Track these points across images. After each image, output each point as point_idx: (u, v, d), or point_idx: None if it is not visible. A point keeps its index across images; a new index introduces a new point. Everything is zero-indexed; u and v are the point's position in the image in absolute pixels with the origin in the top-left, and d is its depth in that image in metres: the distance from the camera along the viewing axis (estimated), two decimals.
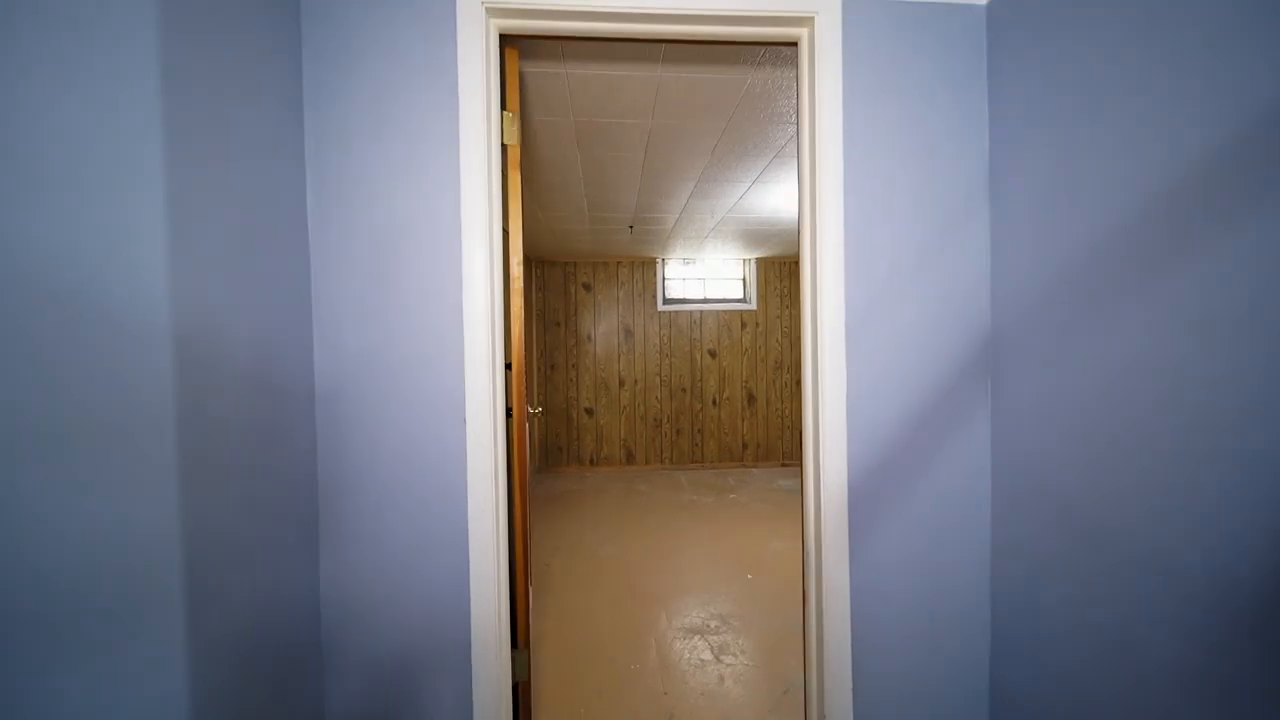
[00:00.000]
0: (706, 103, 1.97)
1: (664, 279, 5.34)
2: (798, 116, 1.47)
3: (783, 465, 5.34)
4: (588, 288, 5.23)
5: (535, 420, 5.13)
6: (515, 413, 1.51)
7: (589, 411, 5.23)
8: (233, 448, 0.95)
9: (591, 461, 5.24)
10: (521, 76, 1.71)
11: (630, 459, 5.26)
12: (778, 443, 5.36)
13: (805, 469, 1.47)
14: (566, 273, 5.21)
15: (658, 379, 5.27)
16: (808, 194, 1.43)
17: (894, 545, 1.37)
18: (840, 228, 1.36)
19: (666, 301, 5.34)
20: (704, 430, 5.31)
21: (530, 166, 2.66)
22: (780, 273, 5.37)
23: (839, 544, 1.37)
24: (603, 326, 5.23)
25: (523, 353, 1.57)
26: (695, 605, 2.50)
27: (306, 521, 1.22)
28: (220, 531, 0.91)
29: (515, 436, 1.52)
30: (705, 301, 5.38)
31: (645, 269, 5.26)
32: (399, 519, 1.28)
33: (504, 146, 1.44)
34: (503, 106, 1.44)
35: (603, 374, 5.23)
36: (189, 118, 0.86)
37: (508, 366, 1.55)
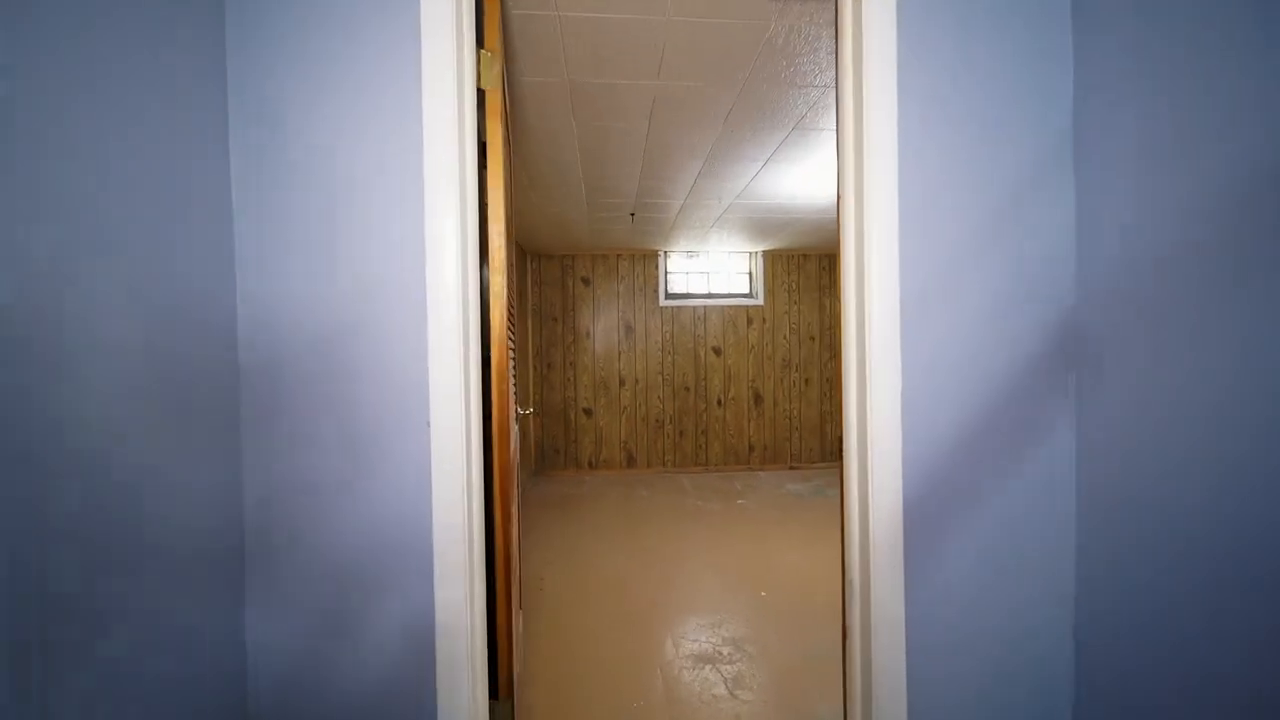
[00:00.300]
0: (719, 57, 1.71)
1: (666, 273, 5.09)
2: (837, 69, 1.22)
3: (791, 468, 5.09)
4: (586, 282, 4.98)
5: (531, 421, 4.88)
6: (496, 415, 1.26)
7: (588, 412, 4.98)
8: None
9: (590, 464, 4.99)
10: (505, 17, 1.46)
11: (631, 462, 5.01)
12: (786, 445, 5.11)
13: (846, 482, 1.22)
14: (564, 266, 4.96)
15: (660, 378, 5.02)
16: (851, 160, 1.18)
17: (957, 574, 1.12)
18: (894, 200, 1.11)
19: (669, 296, 5.09)
20: (708, 431, 5.06)
21: (522, 139, 2.40)
22: (789, 266, 5.11)
23: (892, 572, 1.11)
24: (602, 323, 4.98)
25: (507, 342, 1.32)
26: (704, 628, 2.24)
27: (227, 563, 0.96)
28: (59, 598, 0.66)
29: (497, 443, 1.27)
30: (710, 296, 5.13)
31: (646, 262, 5.01)
32: (334, 564, 1.03)
33: (480, 91, 1.19)
34: (479, 44, 1.18)
35: (602, 373, 4.98)
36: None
37: (486, 360, 1.29)
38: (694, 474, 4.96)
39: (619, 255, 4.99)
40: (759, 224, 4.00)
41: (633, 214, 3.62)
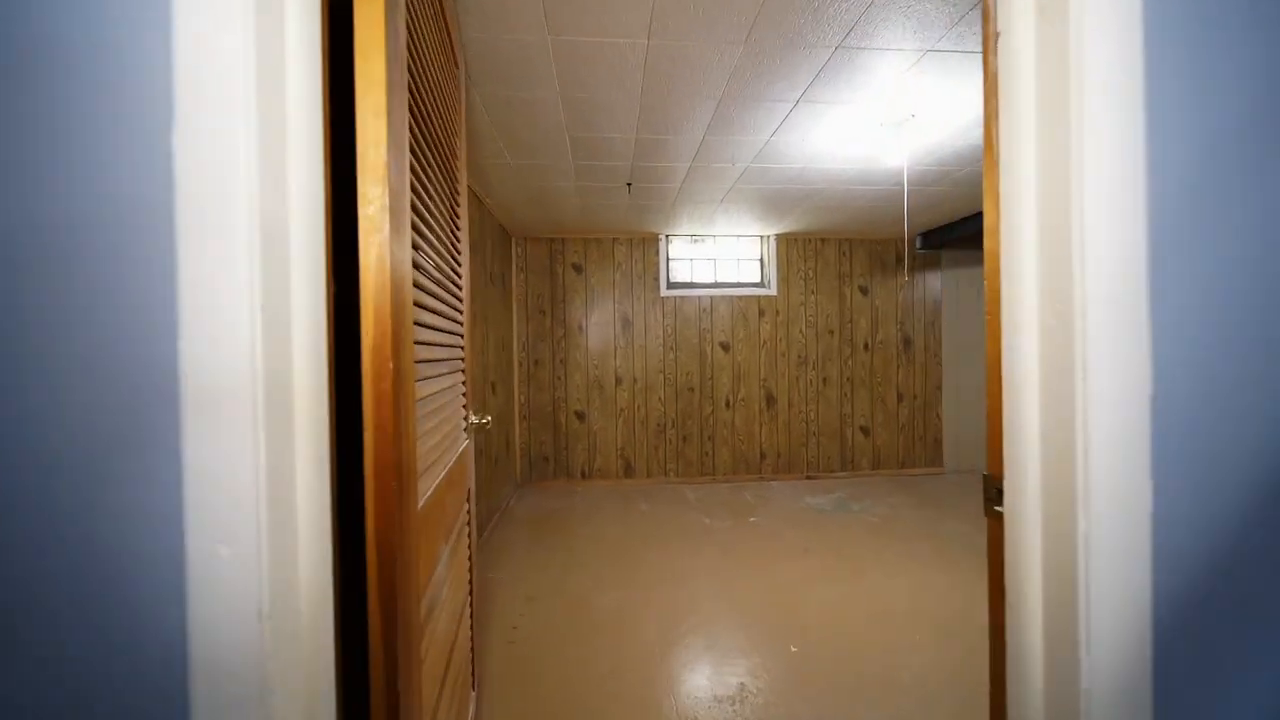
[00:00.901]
0: None
1: (668, 259, 4.55)
2: None
3: (807, 478, 4.55)
4: (578, 269, 4.44)
5: (516, 427, 4.35)
6: (373, 437, 0.71)
7: (579, 415, 4.44)
8: None
9: (583, 474, 4.45)
10: None
11: (628, 471, 4.47)
12: (801, 452, 4.57)
13: (1014, 546, 0.68)
14: (553, 251, 4.43)
15: (660, 377, 4.48)
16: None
17: None
18: (1138, 74, 0.58)
19: (671, 286, 4.56)
20: (715, 437, 4.52)
21: (484, 76, 1.87)
22: (804, 251, 4.58)
23: None
24: (596, 315, 4.44)
25: (406, 307, 0.78)
26: (721, 700, 1.71)
27: None
28: None
29: (374, 488, 0.72)
30: (716, 286, 4.59)
31: (646, 248, 4.48)
32: None
33: None
34: None
35: (596, 371, 4.44)
36: None
37: (344, 336, 0.76)
38: (699, 485, 4.42)
39: (615, 239, 4.46)
40: (774, 199, 3.47)
41: (629, 184, 3.09)
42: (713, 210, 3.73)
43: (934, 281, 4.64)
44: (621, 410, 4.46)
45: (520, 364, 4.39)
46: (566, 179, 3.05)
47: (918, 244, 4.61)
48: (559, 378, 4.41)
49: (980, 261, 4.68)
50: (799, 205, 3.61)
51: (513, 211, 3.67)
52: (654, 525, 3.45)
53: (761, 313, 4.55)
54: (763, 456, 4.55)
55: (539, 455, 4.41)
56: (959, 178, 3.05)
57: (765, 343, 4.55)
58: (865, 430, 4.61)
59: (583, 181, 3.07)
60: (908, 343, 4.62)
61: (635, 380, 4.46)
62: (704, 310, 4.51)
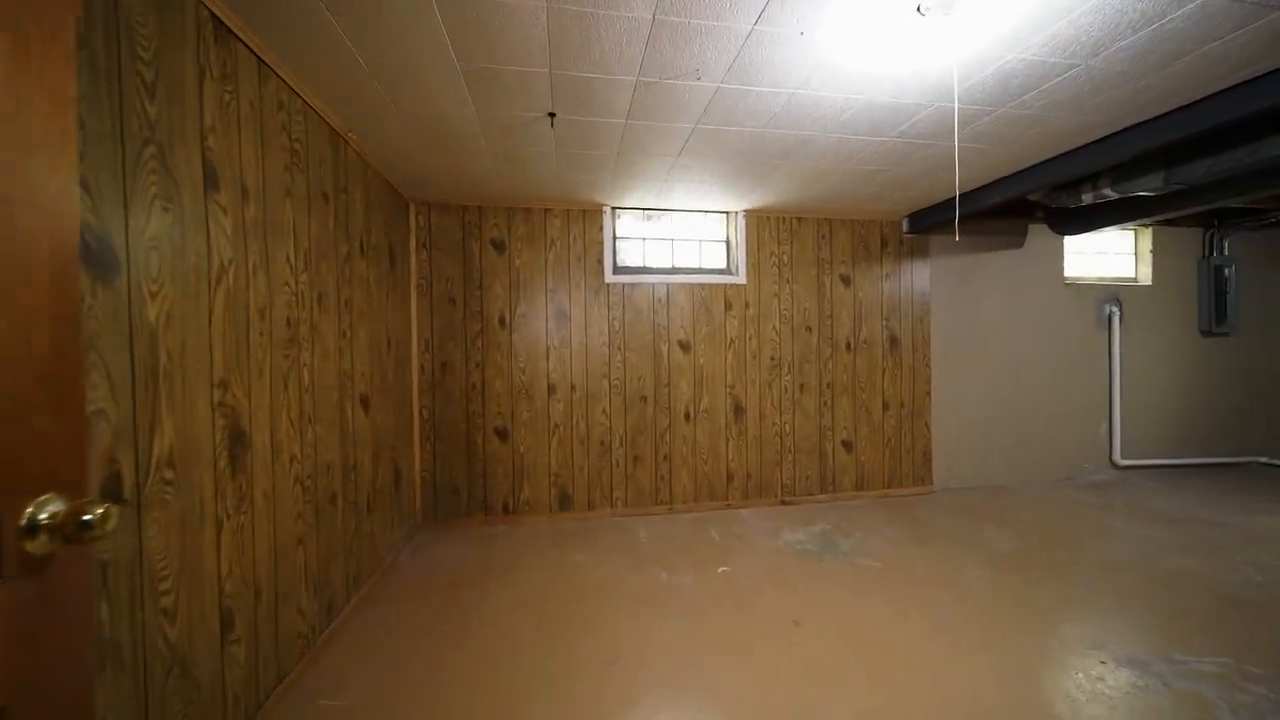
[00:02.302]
0: None
1: (614, 238, 3.68)
2: None
3: (783, 504, 3.80)
4: (499, 246, 3.48)
5: (417, 451, 3.33)
6: None
7: (501, 434, 3.47)
8: None
9: (506, 509, 3.48)
10: None
11: (565, 503, 3.55)
12: (775, 472, 3.81)
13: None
14: (467, 223, 3.44)
15: (605, 383, 3.60)
16: None
17: None
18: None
19: (618, 270, 3.68)
20: (673, 457, 3.68)
21: None
22: (778, 232, 3.83)
23: None
24: (524, 305, 3.50)
25: None
26: None
27: None
28: None
29: None
30: (674, 272, 3.76)
31: (587, 222, 3.58)
32: None
33: None
34: None
35: (523, 377, 3.50)
36: None
37: None
38: (653, 518, 3.57)
39: (547, 210, 3.53)
40: (748, 154, 2.67)
41: (553, 114, 2.19)
42: (669, 170, 2.89)
43: (922, 271, 4.02)
44: (556, 426, 3.53)
45: (422, 368, 3.37)
46: (463, 110, 2.10)
47: (904, 226, 3.98)
48: (474, 386, 3.43)
49: (978, 248, 4.11)
50: (778, 166, 2.83)
51: (403, 163, 2.67)
52: (594, 588, 2.56)
53: (728, 305, 3.76)
54: (730, 479, 3.76)
55: (447, 487, 3.41)
56: (1005, 121, 2.35)
57: (733, 341, 3.77)
58: (848, 445, 3.92)
59: (487, 112, 2.14)
60: (894, 342, 3.97)
61: (574, 388, 3.55)
62: (659, 301, 3.67)
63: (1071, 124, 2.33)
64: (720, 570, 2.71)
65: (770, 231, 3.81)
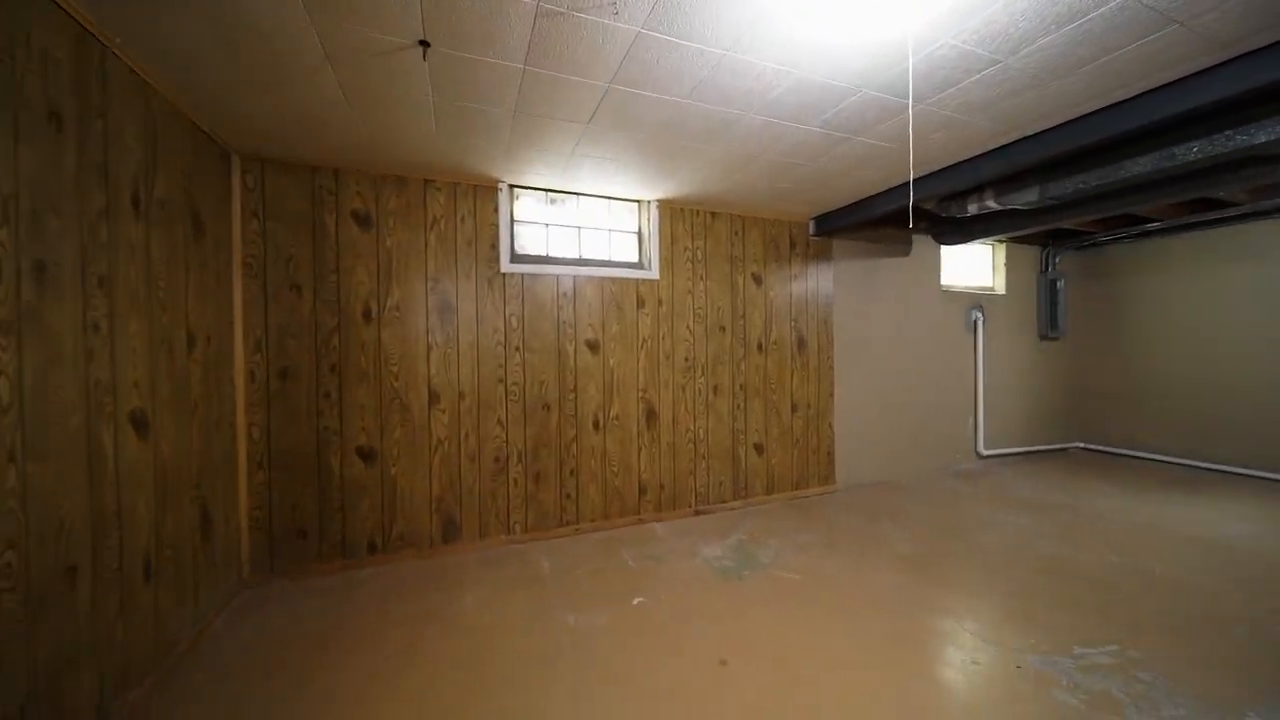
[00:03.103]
0: None
1: (512, 221, 3.18)
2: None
3: (696, 513, 3.60)
4: (364, 221, 2.81)
5: (245, 484, 2.54)
6: None
7: (366, 455, 2.81)
8: None
9: (372, 549, 2.82)
10: None
11: (451, 534, 2.98)
12: (688, 480, 3.60)
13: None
14: (318, 189, 2.72)
15: (501, 389, 3.09)
16: None
17: None
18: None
19: (517, 258, 3.19)
20: (580, 471, 3.29)
21: None
22: (693, 225, 3.62)
23: None
24: (398, 295, 2.86)
25: None
26: None
27: None
28: None
29: None
30: (581, 263, 3.36)
31: (479, 200, 3.04)
32: None
33: None
34: None
35: (396, 384, 2.86)
36: None
37: None
38: (559, 542, 3.14)
39: (428, 181, 2.93)
40: (667, 133, 2.37)
41: (426, 44, 1.67)
42: (577, 142, 2.49)
43: (826, 273, 4.08)
44: (440, 442, 2.95)
45: (251, 374, 2.58)
46: (289, 7, 1.50)
47: (811, 229, 4.00)
48: (329, 396, 2.73)
49: (872, 254, 4.27)
50: (699, 150, 2.57)
51: (214, 96, 1.94)
52: (486, 638, 2.08)
53: (641, 302, 3.46)
54: (643, 492, 3.46)
55: (289, 528, 2.66)
56: (918, 119, 2.29)
57: (645, 341, 3.47)
58: (759, 448, 3.83)
59: (329, 22, 1.56)
60: (802, 343, 3.98)
61: (462, 395, 2.99)
62: (564, 295, 3.25)
63: (976, 130, 2.37)
64: (636, 602, 2.38)
65: (684, 225, 3.58)
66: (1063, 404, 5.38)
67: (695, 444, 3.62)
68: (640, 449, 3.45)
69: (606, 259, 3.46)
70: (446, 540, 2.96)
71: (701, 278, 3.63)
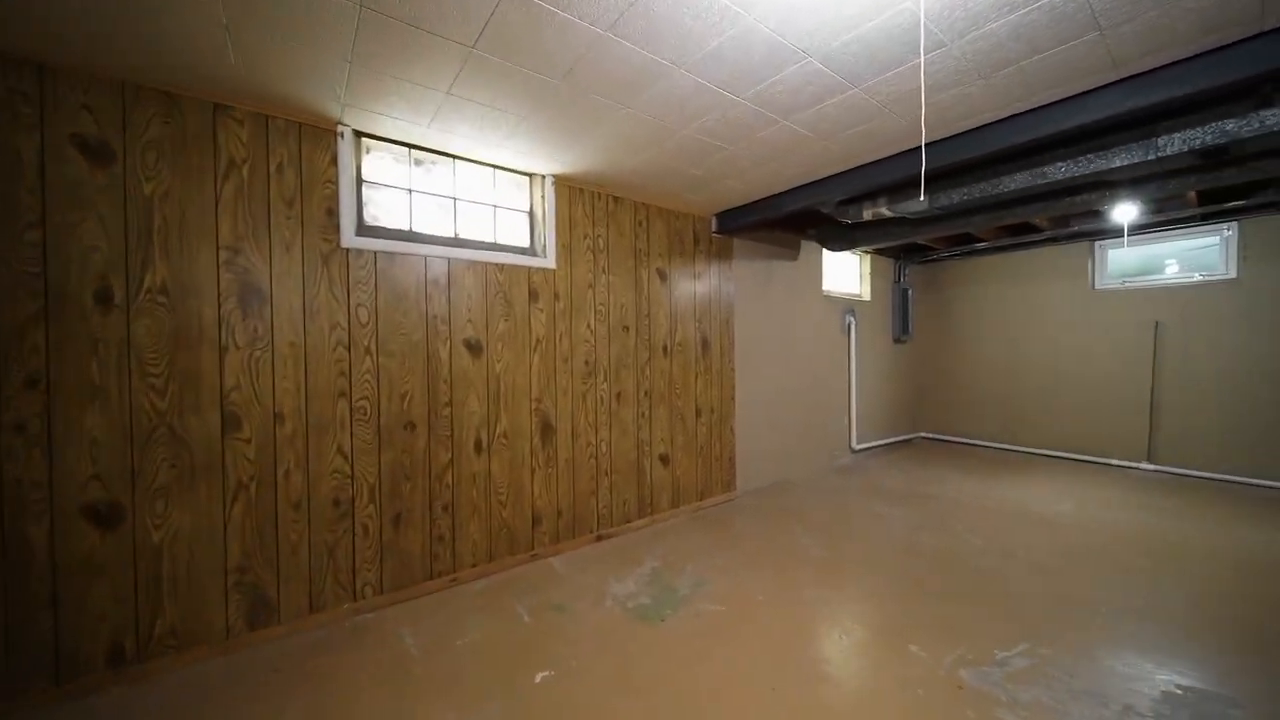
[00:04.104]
0: None
1: (358, 180, 2.39)
2: None
3: (598, 539, 3.15)
4: (98, 153, 1.81)
5: None
6: None
7: (102, 515, 1.81)
8: None
9: (121, 657, 1.83)
10: None
11: (261, 614, 2.10)
12: (590, 502, 3.13)
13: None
14: (6, 95, 1.67)
15: (345, 406, 2.29)
16: None
17: None
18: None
19: (367, 229, 2.41)
20: (456, 506, 2.61)
21: None
22: (594, 210, 3.15)
23: None
24: (162, 271, 1.91)
25: None
26: None
27: None
28: None
29: None
30: (458, 244, 2.68)
31: (306, 143, 2.20)
32: None
33: None
34: None
35: (160, 403, 1.91)
36: None
37: None
38: (428, 601, 2.44)
39: (222, 108, 2.01)
40: (577, 82, 1.89)
41: None
42: (457, 75, 1.87)
43: (728, 273, 3.94)
44: (243, 485, 2.05)
45: None
46: None
47: (713, 225, 3.82)
48: (25, 429, 1.69)
49: (767, 256, 4.25)
50: (611, 112, 2.13)
51: None
52: None
53: (534, 295, 2.89)
54: (537, 522, 2.90)
55: None
56: (847, 106, 2.12)
57: (540, 342, 2.92)
58: (665, 459, 3.52)
59: None
60: (706, 345, 3.77)
61: (280, 417, 2.13)
62: (435, 283, 2.55)
63: (894, 128, 2.31)
64: (539, 679, 1.85)
65: (584, 208, 3.10)
66: (910, 399, 6.07)
67: (597, 459, 3.16)
68: (534, 470, 2.88)
69: (492, 241, 2.82)
70: (254, 625, 2.07)
71: (604, 270, 3.19)
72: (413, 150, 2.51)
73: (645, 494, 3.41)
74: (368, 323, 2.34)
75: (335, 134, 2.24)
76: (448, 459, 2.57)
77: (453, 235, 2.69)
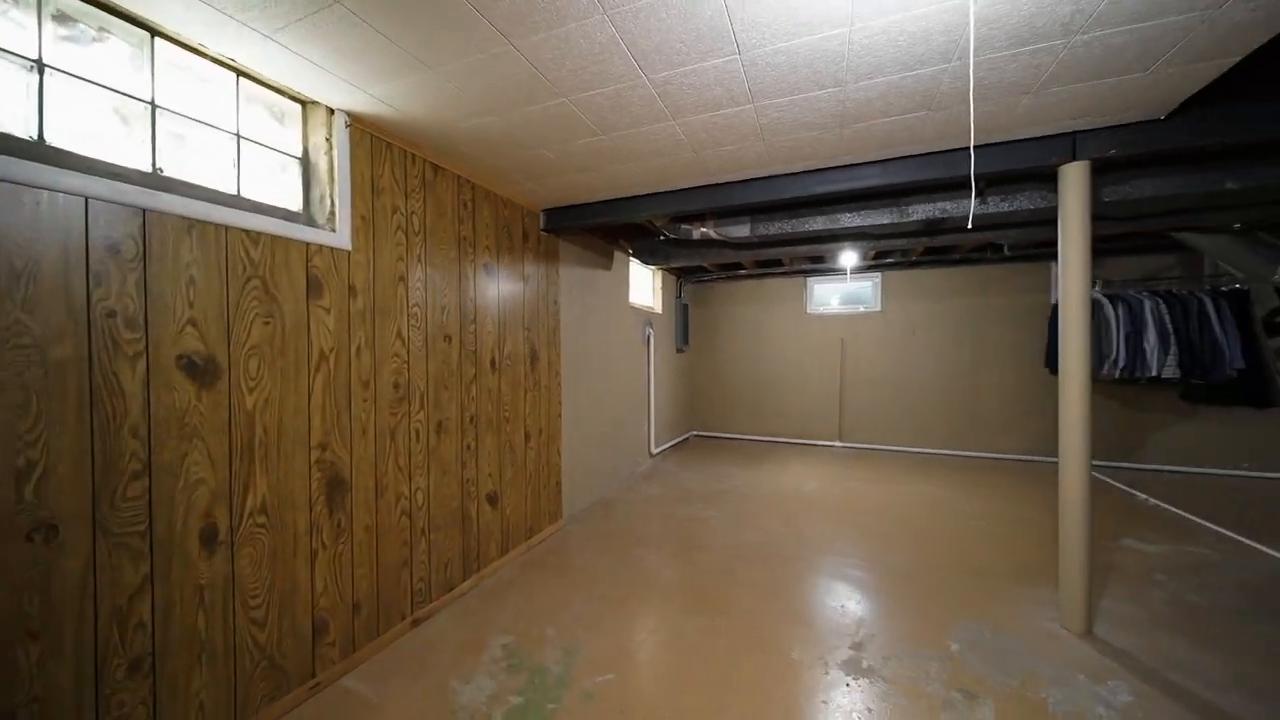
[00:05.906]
0: None
1: None
2: None
3: (414, 625, 2.31)
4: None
5: None
6: None
7: None
8: None
9: None
10: None
11: None
12: (401, 576, 2.27)
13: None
14: None
15: None
16: None
17: None
18: None
19: None
20: (163, 651, 1.46)
21: None
22: (407, 174, 2.30)
23: None
24: None
25: None
26: None
27: None
28: None
29: None
30: (164, 184, 1.51)
31: None
32: None
33: None
34: None
35: None
36: None
37: None
38: None
39: None
40: None
41: None
42: None
43: (554, 277, 3.53)
44: None
45: None
46: None
47: (541, 222, 3.36)
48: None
49: (586, 264, 4.00)
50: (493, 38, 1.52)
51: None
52: None
53: (315, 286, 1.90)
54: (320, 632, 1.91)
55: None
56: (742, 117, 2.04)
57: (326, 358, 1.93)
58: (493, 499, 2.87)
59: None
60: (534, 358, 3.27)
61: None
62: (111, 250, 1.36)
63: (753, 152, 2.40)
64: None
65: (394, 171, 2.23)
66: (687, 402, 6.80)
67: (411, 515, 2.32)
68: (315, 554, 1.89)
69: (235, 193, 1.71)
70: None
71: (420, 260, 2.37)
72: None
73: (471, 546, 2.70)
74: None
75: None
76: (140, 574, 1.41)
77: (151, 168, 1.51)
